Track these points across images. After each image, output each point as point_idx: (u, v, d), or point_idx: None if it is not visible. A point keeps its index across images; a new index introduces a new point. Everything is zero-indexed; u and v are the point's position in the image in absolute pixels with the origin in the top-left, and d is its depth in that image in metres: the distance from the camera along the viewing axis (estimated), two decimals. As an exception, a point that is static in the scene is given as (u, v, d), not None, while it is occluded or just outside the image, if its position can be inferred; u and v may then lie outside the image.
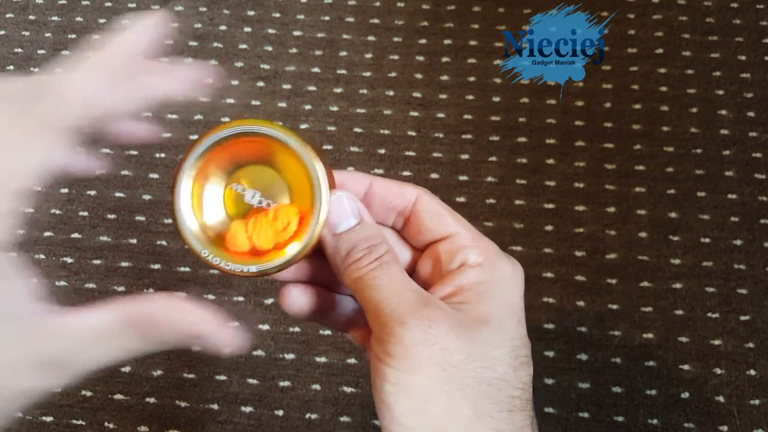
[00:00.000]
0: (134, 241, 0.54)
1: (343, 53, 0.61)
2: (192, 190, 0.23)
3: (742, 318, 0.50)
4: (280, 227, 0.23)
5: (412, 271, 0.27)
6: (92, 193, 0.56)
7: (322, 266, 0.26)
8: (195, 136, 0.56)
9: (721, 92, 0.58)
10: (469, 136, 0.57)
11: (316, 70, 0.60)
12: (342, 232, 0.24)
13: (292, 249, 0.23)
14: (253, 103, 0.59)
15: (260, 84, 0.60)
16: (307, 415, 0.49)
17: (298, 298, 0.26)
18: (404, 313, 0.22)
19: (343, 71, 0.60)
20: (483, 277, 0.24)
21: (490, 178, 0.56)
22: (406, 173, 0.56)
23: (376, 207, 0.26)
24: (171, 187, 0.23)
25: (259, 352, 0.51)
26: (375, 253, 0.23)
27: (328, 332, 0.51)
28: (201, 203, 0.24)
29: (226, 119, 0.58)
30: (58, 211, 0.56)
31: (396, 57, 0.60)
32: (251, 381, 0.50)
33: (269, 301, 0.52)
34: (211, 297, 0.53)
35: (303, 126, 0.58)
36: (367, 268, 0.23)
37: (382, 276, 0.23)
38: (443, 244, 0.25)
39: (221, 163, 0.24)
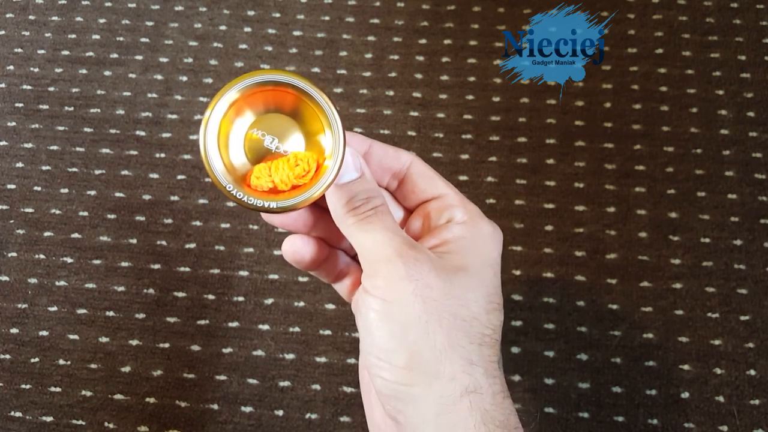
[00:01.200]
0: (134, 241, 0.54)
1: (343, 53, 0.61)
2: (219, 130, 0.25)
3: (742, 318, 0.50)
4: (300, 172, 0.25)
5: (402, 228, 0.30)
6: (92, 193, 0.56)
7: (320, 220, 0.29)
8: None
9: (721, 92, 0.58)
10: (469, 136, 0.57)
11: (316, 70, 0.60)
12: (344, 183, 0.26)
13: (310, 191, 0.25)
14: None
15: (260, 84, 0.60)
16: (307, 415, 0.49)
17: (302, 247, 0.29)
18: (392, 252, 0.24)
19: (343, 71, 0.60)
20: (466, 233, 0.27)
21: (490, 178, 0.56)
22: (406, 173, 0.56)
23: (374, 167, 0.29)
24: (202, 124, 0.25)
25: (259, 352, 0.51)
26: (372, 203, 0.26)
27: (328, 332, 0.51)
28: (227, 143, 0.26)
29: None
30: (58, 211, 0.56)
31: (396, 57, 0.60)
32: (251, 381, 0.50)
33: (269, 301, 0.52)
34: (211, 297, 0.53)
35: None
36: (364, 215, 0.26)
37: (376, 222, 0.25)
38: (433, 203, 0.29)
39: (248, 107, 0.26)
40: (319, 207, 0.28)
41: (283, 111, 0.26)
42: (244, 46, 0.61)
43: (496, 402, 0.24)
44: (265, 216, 0.29)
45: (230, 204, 0.55)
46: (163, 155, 0.57)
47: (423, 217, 0.29)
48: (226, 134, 0.26)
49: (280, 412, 0.49)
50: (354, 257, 0.32)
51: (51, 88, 0.60)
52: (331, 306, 0.52)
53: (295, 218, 0.29)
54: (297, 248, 0.29)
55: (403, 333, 0.23)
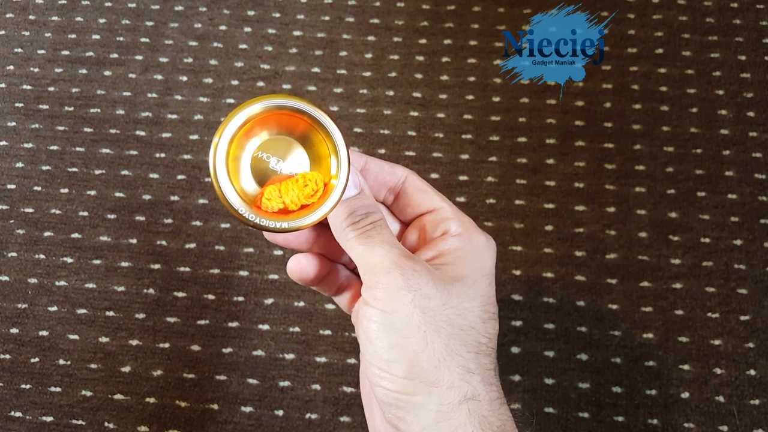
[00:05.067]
0: (134, 241, 0.54)
1: (343, 53, 0.61)
2: (227, 154, 0.26)
3: (742, 318, 0.50)
4: (309, 192, 0.26)
5: (399, 240, 0.30)
6: (92, 193, 0.56)
7: (320, 236, 0.31)
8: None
9: (721, 92, 0.58)
10: (469, 136, 0.57)
11: (316, 70, 0.60)
12: (344, 199, 0.27)
13: (319, 210, 0.26)
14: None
15: (260, 84, 0.60)
16: (307, 415, 0.49)
17: (306, 265, 0.30)
18: (391, 264, 0.25)
19: (343, 71, 0.60)
20: (461, 245, 0.27)
21: (490, 178, 0.56)
22: (406, 173, 0.56)
23: (370, 182, 0.30)
24: (211, 149, 0.26)
25: (259, 352, 0.51)
26: (371, 218, 0.27)
27: (328, 332, 0.51)
28: (236, 167, 0.27)
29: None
30: (58, 211, 0.56)
31: (396, 57, 0.60)
32: (251, 381, 0.50)
33: (269, 301, 0.52)
34: (211, 297, 0.53)
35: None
36: (363, 229, 0.26)
37: (375, 236, 0.26)
38: (428, 216, 0.29)
39: (255, 131, 0.27)
40: (319, 224, 0.29)
41: (290, 134, 0.27)
42: (244, 46, 0.61)
43: (493, 408, 0.24)
44: (268, 235, 0.30)
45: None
46: (163, 155, 0.57)
47: (419, 229, 0.30)
48: (235, 158, 0.27)
49: (280, 412, 0.49)
50: (353, 271, 0.33)
51: (51, 88, 0.60)
52: (331, 306, 0.52)
53: (297, 236, 0.30)
54: (302, 266, 0.30)
55: (402, 343, 0.24)
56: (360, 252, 0.26)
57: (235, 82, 0.60)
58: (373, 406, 0.29)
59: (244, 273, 0.53)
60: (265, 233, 0.28)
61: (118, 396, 0.50)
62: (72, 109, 0.59)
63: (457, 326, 0.25)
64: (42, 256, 0.54)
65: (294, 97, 0.26)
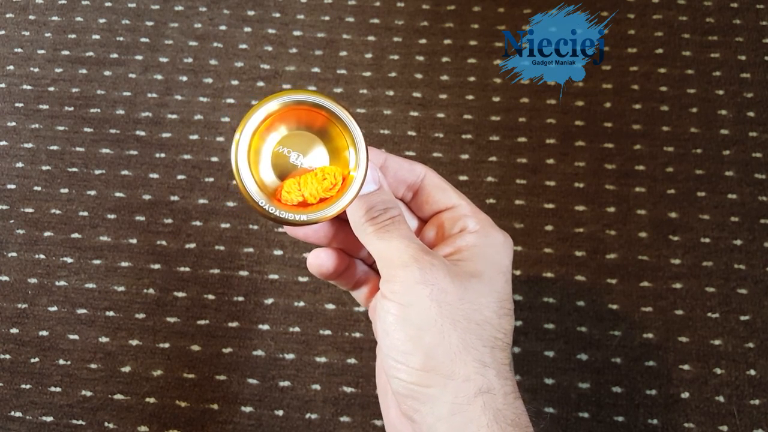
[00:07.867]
0: (134, 241, 0.54)
1: (343, 53, 0.61)
2: (249, 148, 0.27)
3: (742, 318, 0.51)
4: (328, 185, 0.27)
5: (417, 237, 0.30)
6: (92, 193, 0.56)
7: (339, 231, 0.31)
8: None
9: (721, 92, 0.58)
10: (469, 136, 0.57)
11: (316, 70, 0.60)
12: (364, 195, 0.28)
13: (338, 203, 0.26)
14: (253, 102, 0.59)
15: (260, 84, 0.60)
16: (307, 415, 0.49)
17: (325, 259, 0.31)
18: (409, 258, 0.25)
19: (343, 71, 0.60)
20: (479, 241, 0.28)
21: (490, 178, 0.56)
22: (406, 173, 0.56)
23: (389, 179, 0.30)
24: (233, 144, 0.27)
25: (259, 352, 0.51)
26: (389, 213, 0.27)
27: (328, 332, 0.51)
28: (257, 160, 0.27)
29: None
30: (58, 211, 0.56)
31: (396, 57, 0.60)
32: (251, 381, 0.50)
33: (269, 301, 0.52)
34: (211, 297, 0.53)
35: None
36: (382, 224, 0.27)
37: (393, 231, 0.27)
38: (446, 213, 0.30)
39: (274, 127, 0.28)
40: (338, 219, 0.30)
41: (309, 129, 0.28)
42: (244, 46, 0.61)
43: (507, 402, 0.24)
44: (289, 229, 0.30)
45: (230, 204, 0.55)
46: (163, 155, 0.57)
47: (437, 226, 0.30)
48: (256, 153, 0.27)
49: (280, 412, 0.49)
50: (371, 266, 0.34)
51: (51, 88, 0.60)
52: (331, 306, 0.52)
53: (317, 230, 0.31)
54: (321, 261, 0.31)
55: (419, 335, 0.24)
56: (378, 246, 0.27)
57: (235, 82, 0.60)
58: (389, 399, 0.29)
59: (244, 273, 0.53)
60: (285, 226, 0.29)
61: (118, 396, 0.50)
62: (72, 109, 0.59)
63: (473, 321, 0.25)
64: (42, 256, 0.54)
65: (312, 92, 0.27)
